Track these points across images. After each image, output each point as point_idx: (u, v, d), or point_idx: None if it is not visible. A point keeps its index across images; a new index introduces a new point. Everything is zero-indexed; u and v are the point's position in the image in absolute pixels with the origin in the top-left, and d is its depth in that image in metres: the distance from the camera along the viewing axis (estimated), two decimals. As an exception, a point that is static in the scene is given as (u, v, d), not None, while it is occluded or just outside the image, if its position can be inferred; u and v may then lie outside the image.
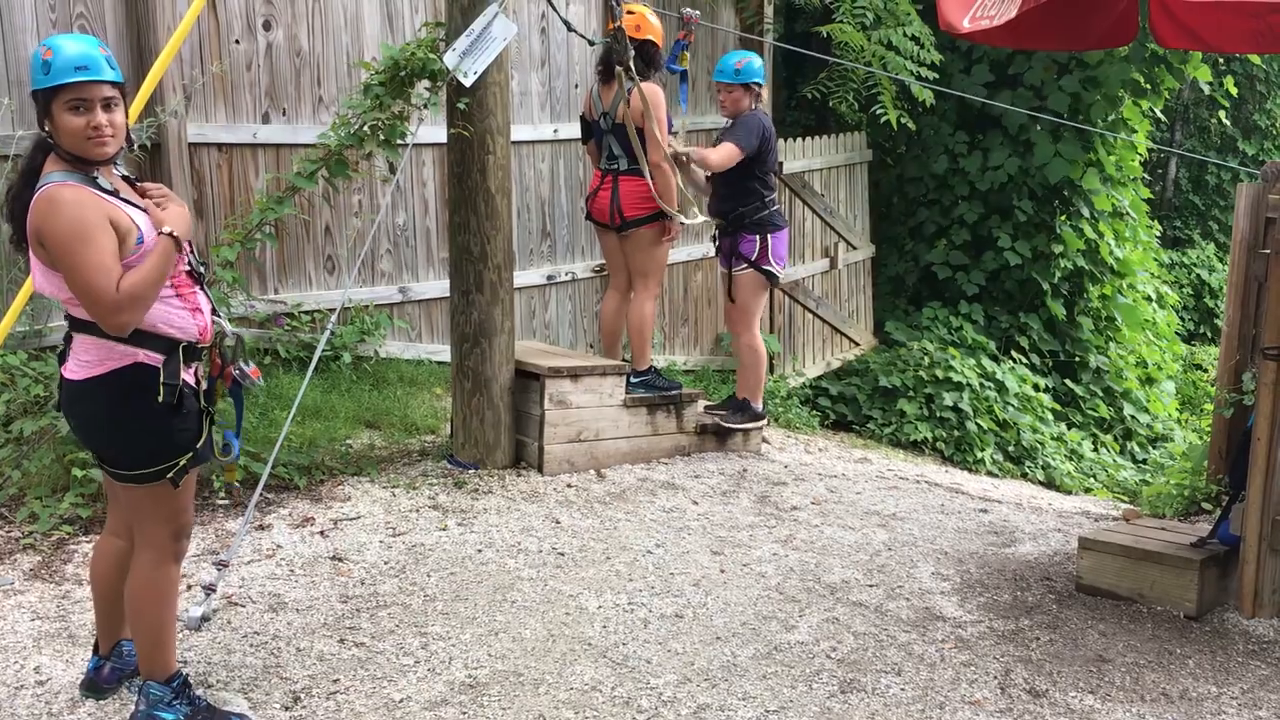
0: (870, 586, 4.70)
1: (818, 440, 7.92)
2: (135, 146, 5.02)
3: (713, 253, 8.63)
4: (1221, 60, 13.51)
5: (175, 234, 3.07)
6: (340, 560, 4.65)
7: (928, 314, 9.90)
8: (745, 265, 6.19)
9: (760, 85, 6.19)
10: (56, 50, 2.96)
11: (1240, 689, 3.87)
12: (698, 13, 6.40)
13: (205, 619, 3.94)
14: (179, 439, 3.16)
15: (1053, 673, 3.94)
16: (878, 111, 8.89)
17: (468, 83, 5.32)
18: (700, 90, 8.33)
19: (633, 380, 6.16)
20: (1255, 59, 14.15)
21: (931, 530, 5.54)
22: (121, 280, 2.93)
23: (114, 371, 3.06)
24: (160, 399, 3.08)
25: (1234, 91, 11.53)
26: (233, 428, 3.46)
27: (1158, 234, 12.76)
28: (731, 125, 6.13)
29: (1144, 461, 9.76)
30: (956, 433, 8.76)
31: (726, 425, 6.41)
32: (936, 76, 8.78)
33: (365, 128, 5.38)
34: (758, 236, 6.15)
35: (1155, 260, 12.18)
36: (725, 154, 5.97)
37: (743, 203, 6.13)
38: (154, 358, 3.08)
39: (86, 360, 3.08)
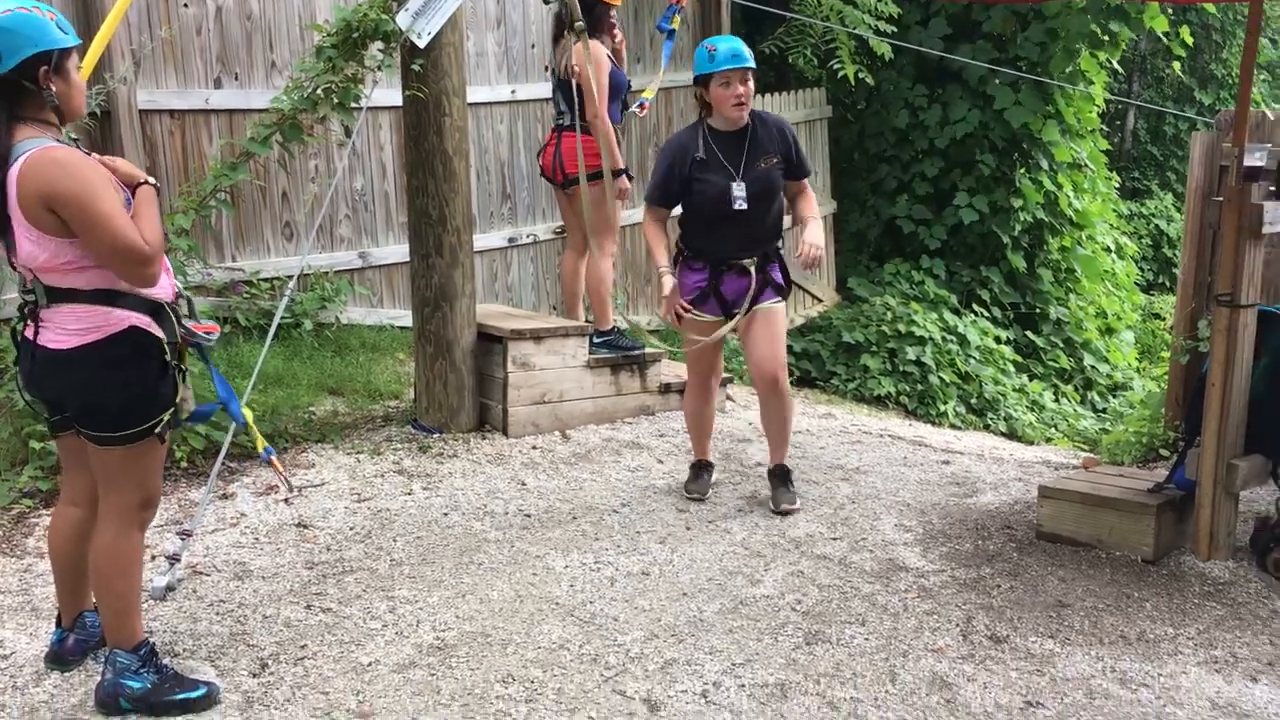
0: (834, 540, 4.75)
1: (782, 397, 7.95)
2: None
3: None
4: (1177, 10, 13.56)
5: (155, 183, 3.18)
6: (305, 527, 4.64)
7: (890, 269, 9.94)
8: (779, 296, 4.90)
9: None
10: (53, 10, 3.04)
11: (1196, 630, 3.95)
12: None
13: (170, 588, 3.93)
14: (164, 395, 3.19)
15: (1014, 619, 4.00)
16: (836, 67, 8.87)
17: (421, 44, 5.25)
18: (679, 49, 8.27)
19: (595, 340, 6.15)
20: (1210, 8, 14.21)
21: (894, 483, 5.59)
22: (148, 236, 3.03)
23: (110, 338, 3.07)
24: (167, 359, 3.16)
25: (1190, 41, 11.58)
26: (215, 398, 3.49)
27: (1116, 185, 12.84)
28: (789, 147, 4.81)
29: (1104, 411, 9.89)
30: (919, 386, 8.83)
31: (793, 509, 5.05)
32: (895, 30, 8.76)
33: (319, 91, 5.30)
34: (777, 261, 4.93)
35: (1114, 211, 12.27)
36: (812, 195, 4.98)
37: (775, 235, 4.90)
38: (146, 321, 3.12)
39: (75, 329, 3.06)
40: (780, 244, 4.93)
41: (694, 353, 4.95)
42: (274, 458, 3.78)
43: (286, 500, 3.82)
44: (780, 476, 5.15)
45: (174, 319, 3.21)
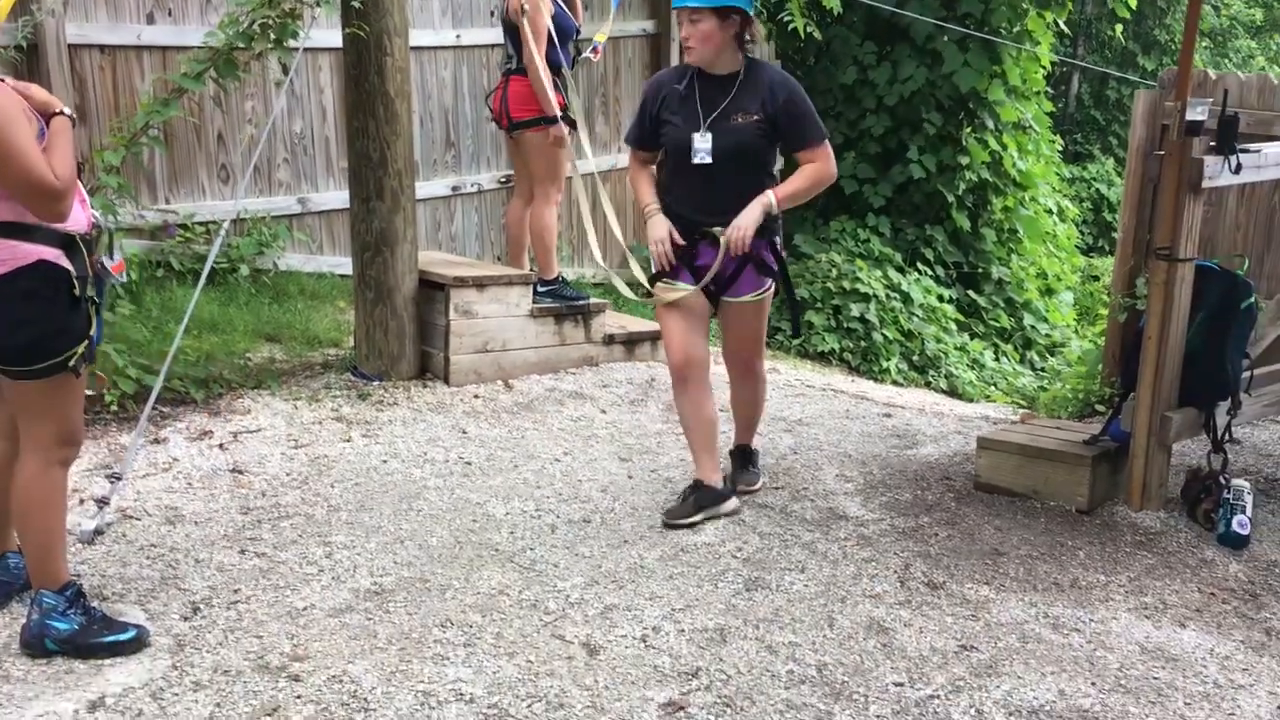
0: (776, 489, 4.76)
1: (726, 351, 7.95)
2: None
3: (620, 163, 8.58)
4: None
5: (70, 114, 3.08)
6: (240, 473, 4.56)
7: (835, 227, 9.96)
8: (764, 288, 4.29)
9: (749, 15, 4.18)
10: None
11: (1128, 577, 4.01)
12: None
13: (99, 532, 3.82)
14: (76, 328, 3.10)
15: (950, 566, 4.04)
16: (785, 20, 8.82)
17: (362, -20, 5.13)
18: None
19: (540, 290, 6.09)
20: (1156, -27, 14.34)
21: (836, 435, 5.62)
22: (60, 171, 2.94)
23: (18, 270, 2.99)
24: (76, 293, 3.06)
25: (1133, 4, 11.67)
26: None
27: (1060, 148, 12.96)
28: (780, 109, 4.10)
29: (1042, 369, 10.01)
30: (863, 343, 8.87)
31: (752, 489, 4.71)
32: (845, -15, 8.72)
33: (255, 26, 5.16)
34: (766, 242, 4.24)
35: (1057, 174, 12.38)
36: (820, 170, 4.17)
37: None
38: (56, 254, 3.03)
39: None
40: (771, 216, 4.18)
41: (669, 336, 4.33)
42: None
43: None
44: (744, 456, 4.73)
45: (85, 252, 3.12)
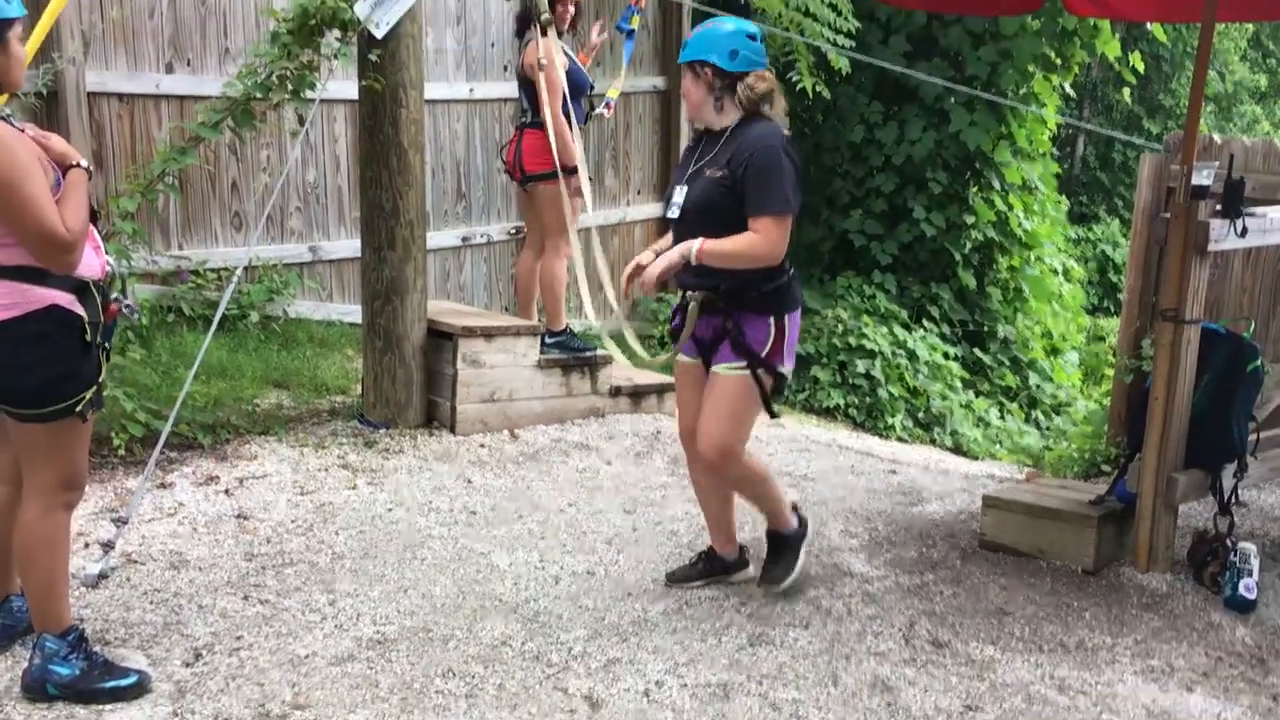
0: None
1: (732, 405, 7.96)
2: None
3: (629, 216, 8.66)
4: (1129, 37, 13.82)
5: (87, 166, 3.12)
6: (245, 518, 4.56)
7: (842, 282, 10.00)
8: (744, 364, 3.83)
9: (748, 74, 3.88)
10: None
11: (1134, 640, 3.99)
12: None
13: (103, 576, 3.84)
14: (86, 374, 3.12)
15: (955, 625, 4.02)
16: (794, 79, 8.92)
17: (379, 34, 5.22)
18: (619, 55, 8.28)
19: (547, 341, 6.12)
20: (1161, 38, 14.49)
21: (841, 490, 5.61)
22: (71, 224, 2.98)
23: (30, 314, 3.01)
24: (87, 338, 3.09)
25: (1140, 67, 11.79)
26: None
27: (1065, 209, 13.03)
28: (744, 168, 3.76)
29: (1048, 429, 10.00)
30: (868, 399, 8.88)
31: (775, 587, 4.20)
32: (854, 45, 8.83)
33: (273, 77, 5.23)
34: (771, 319, 3.83)
35: (1063, 234, 12.45)
36: (755, 242, 3.73)
37: (735, 274, 3.81)
38: (69, 299, 3.06)
39: None
40: (759, 291, 3.80)
41: (676, 403, 4.17)
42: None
43: None
44: (771, 544, 4.22)
45: (98, 298, 3.15)
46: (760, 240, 3.71)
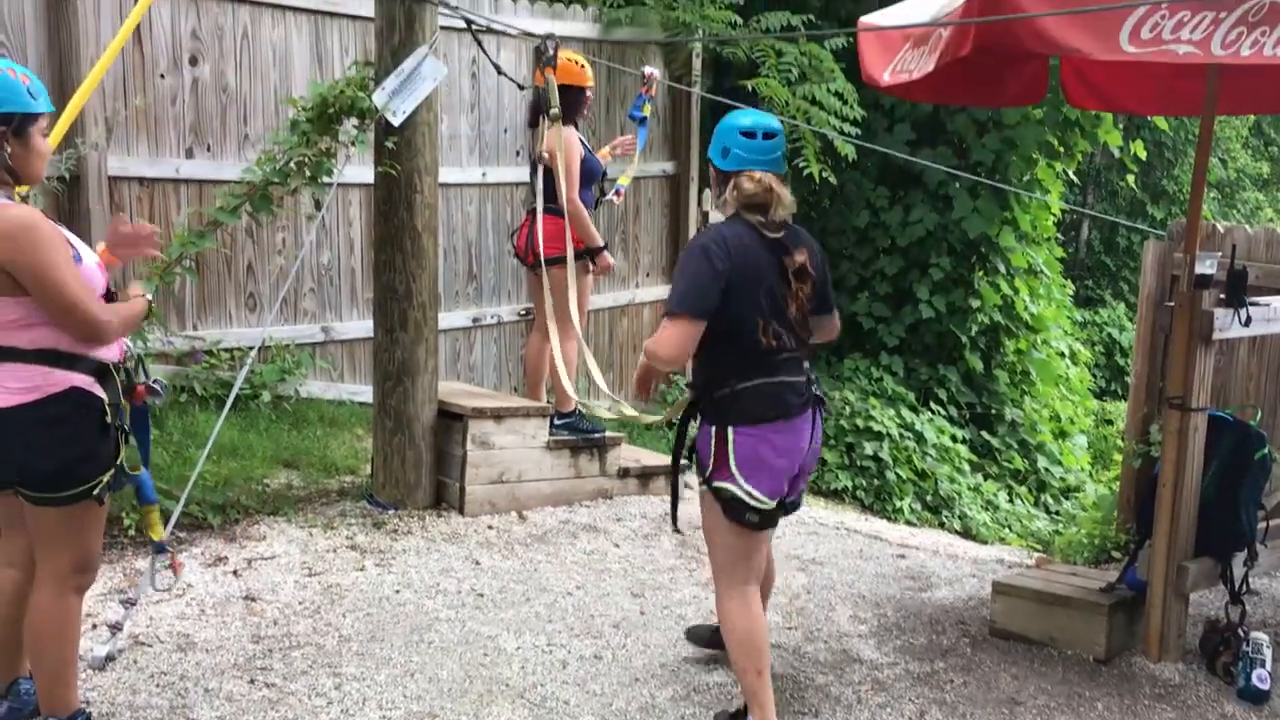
0: (789, 629, 4.72)
1: (740, 487, 7.95)
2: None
3: (638, 298, 8.75)
4: (1131, 126, 14.02)
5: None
6: (253, 600, 4.55)
7: (849, 365, 10.04)
8: (708, 471, 3.60)
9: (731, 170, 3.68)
10: (29, 75, 3.08)
11: (1147, 730, 3.95)
12: (657, 71, 6.63)
13: (110, 658, 3.84)
14: (104, 457, 3.14)
15: (966, 714, 3.98)
16: (801, 165, 9.07)
17: (396, 122, 5.34)
18: (650, 135, 8.43)
19: (556, 422, 6.15)
20: (1163, 125, 14.71)
21: (850, 575, 5.59)
22: (111, 311, 3.12)
23: (50, 397, 3.05)
24: (108, 420, 3.12)
25: (1142, 155, 11.96)
26: (138, 466, 3.42)
27: (1071, 293, 13.11)
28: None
29: (1057, 513, 9.96)
30: (876, 482, 8.86)
31: None
32: (859, 132, 8.99)
33: (291, 164, 5.35)
34: (713, 429, 3.59)
35: (1069, 318, 12.50)
36: (653, 340, 3.56)
37: (707, 372, 3.64)
38: (88, 381, 3.10)
39: (14, 387, 3.04)
40: (708, 398, 3.58)
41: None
42: (172, 553, 3.68)
43: (160, 587, 3.67)
44: None
45: (117, 380, 3.19)
46: (656, 340, 3.52)
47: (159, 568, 3.72)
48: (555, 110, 5.60)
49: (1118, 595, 4.63)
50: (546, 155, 5.84)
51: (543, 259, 5.92)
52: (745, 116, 3.70)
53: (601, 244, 6.05)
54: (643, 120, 6.55)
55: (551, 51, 5.72)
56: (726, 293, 3.46)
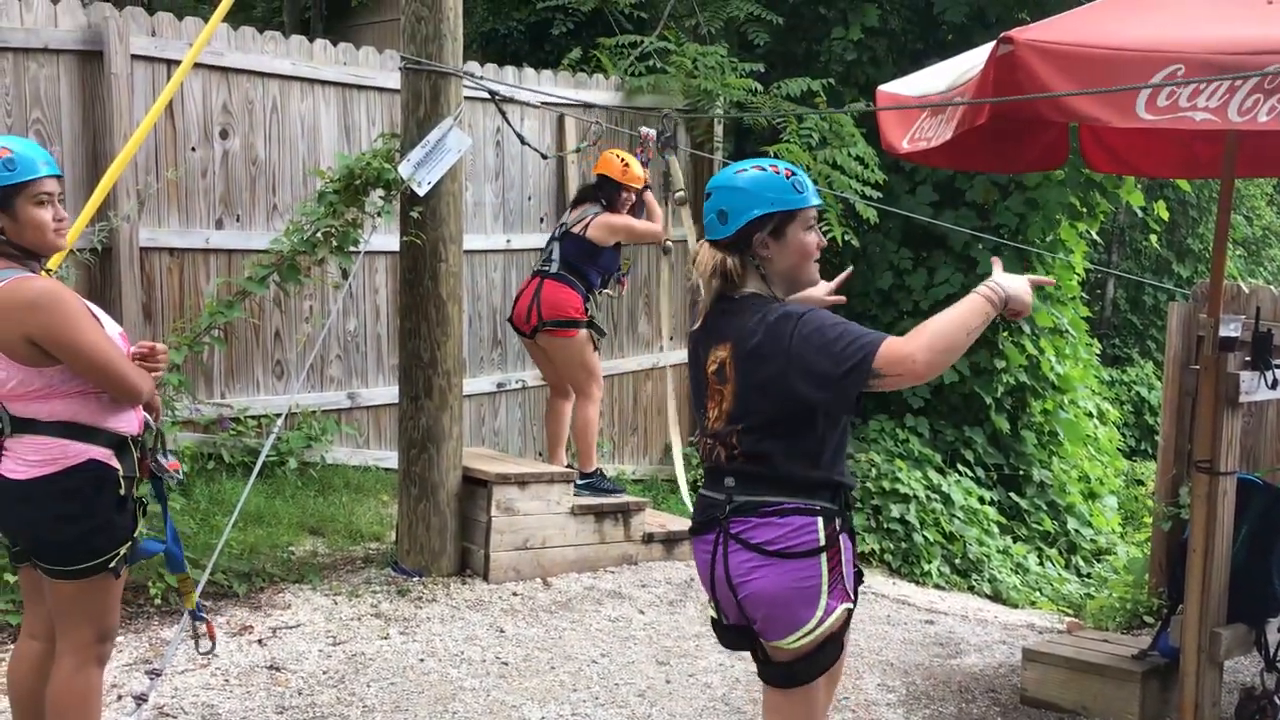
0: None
1: (766, 551, 7.90)
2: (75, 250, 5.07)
3: (662, 362, 8.77)
4: (1153, 186, 14.03)
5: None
6: (278, 670, 4.55)
7: (875, 426, 10.00)
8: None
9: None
10: (12, 147, 3.05)
11: (1183, 803, 3.87)
12: (653, 131, 6.63)
13: (134, 730, 3.83)
14: (120, 529, 3.15)
15: (998, 786, 3.92)
16: (824, 229, 9.12)
17: (421, 192, 5.42)
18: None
19: (579, 483, 6.19)
20: (1185, 185, 14.70)
21: (878, 641, 5.52)
22: (141, 372, 3.16)
23: (67, 470, 3.07)
24: (122, 492, 3.12)
25: (1165, 217, 11.95)
26: (163, 535, 3.43)
27: (1098, 352, 13.04)
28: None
29: (1088, 575, 9.82)
30: (904, 544, 8.78)
31: None
32: (881, 195, 9.04)
33: (318, 234, 5.44)
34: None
35: (1096, 377, 12.42)
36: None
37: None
38: (105, 454, 3.11)
39: (34, 460, 3.06)
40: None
41: None
42: (208, 620, 3.67)
43: (201, 651, 3.68)
44: None
45: (134, 453, 3.20)
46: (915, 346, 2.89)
47: (194, 634, 3.70)
48: (682, 193, 5.77)
49: (1151, 663, 4.56)
50: (607, 227, 6.16)
51: (544, 320, 6.04)
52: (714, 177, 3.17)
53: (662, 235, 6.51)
54: (646, 187, 6.60)
55: (670, 131, 5.89)
56: None
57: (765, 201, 2.88)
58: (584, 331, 6.19)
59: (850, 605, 2.90)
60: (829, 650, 2.90)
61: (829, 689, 3.13)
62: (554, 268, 6.18)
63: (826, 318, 2.82)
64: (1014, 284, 2.94)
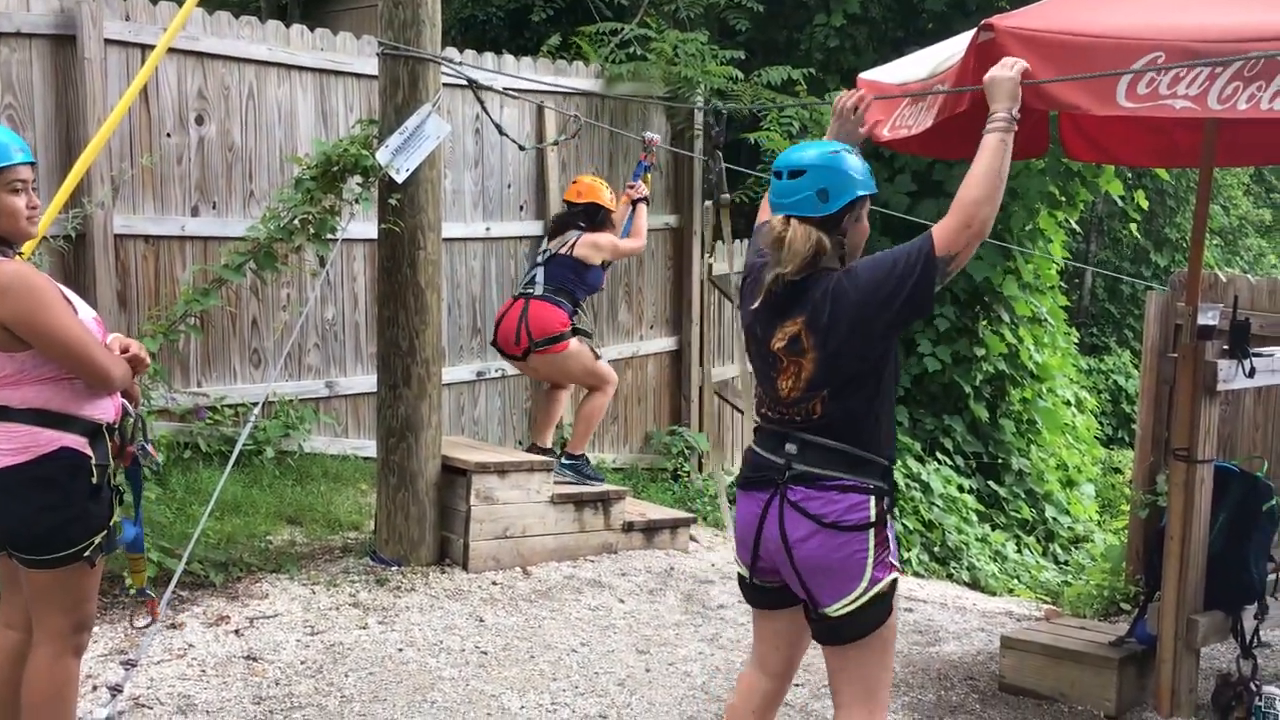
0: (796, 685, 4.66)
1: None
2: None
3: (642, 350, 8.76)
4: (1132, 175, 14.09)
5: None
6: (255, 660, 4.52)
7: (854, 415, 10.02)
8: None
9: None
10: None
11: (1160, 789, 3.89)
12: (657, 136, 6.72)
13: (110, 721, 3.80)
14: (95, 518, 3.12)
15: (976, 773, 3.93)
16: (804, 217, 9.12)
17: (400, 179, 5.38)
18: (653, 187, 8.48)
19: (564, 463, 6.21)
20: (1164, 174, 14.78)
21: (857, 630, 5.53)
22: (115, 358, 3.12)
23: (40, 458, 3.03)
24: (94, 481, 3.09)
25: (1144, 205, 12.00)
26: (131, 516, 3.39)
27: (1076, 341, 13.10)
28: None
29: (1066, 563, 9.88)
30: (883, 533, 8.81)
31: None
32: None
33: (295, 221, 5.39)
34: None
35: (1074, 366, 12.48)
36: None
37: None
38: (79, 442, 3.08)
39: (6, 448, 3.03)
40: None
41: None
42: (152, 598, 3.63)
43: (136, 627, 3.62)
44: None
45: (109, 441, 3.16)
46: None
47: (134, 612, 3.66)
48: (726, 195, 5.82)
49: (1128, 649, 4.59)
50: (594, 246, 6.28)
51: (534, 341, 6.17)
52: (781, 155, 3.19)
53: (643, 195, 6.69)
54: (644, 199, 6.69)
55: (721, 127, 5.92)
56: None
57: (863, 184, 3.05)
58: (574, 340, 6.25)
59: (898, 574, 3.04)
60: (876, 611, 3.00)
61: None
62: (538, 290, 6.23)
63: (869, 258, 3.04)
64: (1003, 87, 3.13)
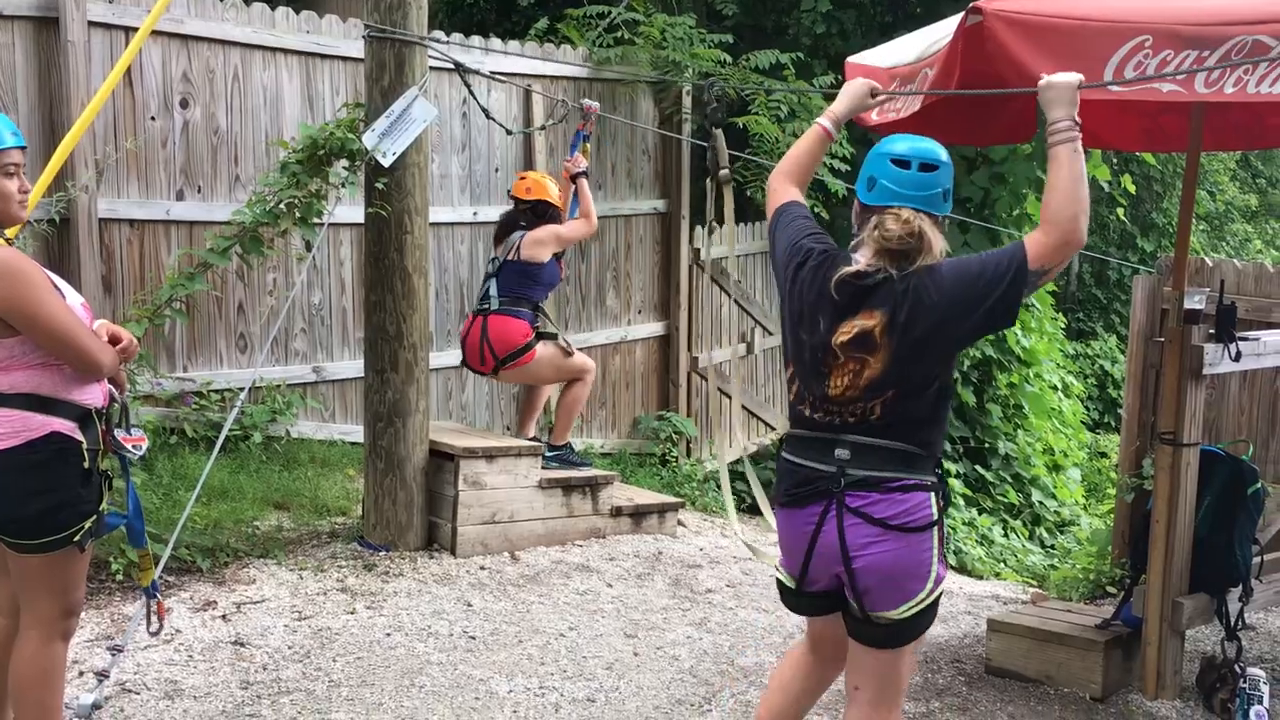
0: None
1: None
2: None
3: (630, 335, 8.75)
4: (1119, 160, 14.11)
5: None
6: (242, 645, 4.51)
7: (842, 400, 10.04)
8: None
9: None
10: None
11: (1145, 770, 3.92)
12: (596, 104, 6.57)
13: (96, 706, 3.79)
14: (85, 503, 3.11)
15: (963, 755, 3.95)
16: (792, 201, 9.10)
17: (386, 163, 5.36)
18: (620, 177, 8.46)
19: (547, 454, 6.19)
20: (1150, 159, 14.81)
21: (844, 613, 5.55)
22: (103, 344, 3.11)
23: (30, 443, 3.02)
24: (86, 465, 3.08)
25: (1131, 190, 12.02)
26: (125, 509, 3.38)
27: (1063, 326, 13.14)
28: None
29: (1052, 547, 9.93)
30: (870, 517, 8.84)
31: None
32: (849, 169, 9.03)
33: (281, 205, 5.36)
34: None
35: (1060, 351, 12.53)
36: None
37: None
38: (69, 426, 3.07)
39: None
40: None
41: None
42: (159, 599, 3.61)
43: (150, 631, 3.63)
44: None
45: (98, 426, 3.15)
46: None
47: (147, 612, 3.67)
48: (725, 171, 5.70)
49: (1113, 632, 4.61)
50: (539, 242, 6.11)
51: (499, 359, 6.08)
52: (901, 142, 3.05)
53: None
54: (584, 172, 6.45)
55: (716, 102, 5.73)
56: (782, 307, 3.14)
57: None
58: (539, 345, 6.11)
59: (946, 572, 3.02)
60: (933, 611, 2.98)
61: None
62: (494, 305, 6.09)
63: (955, 259, 2.94)
64: (1062, 93, 2.99)
